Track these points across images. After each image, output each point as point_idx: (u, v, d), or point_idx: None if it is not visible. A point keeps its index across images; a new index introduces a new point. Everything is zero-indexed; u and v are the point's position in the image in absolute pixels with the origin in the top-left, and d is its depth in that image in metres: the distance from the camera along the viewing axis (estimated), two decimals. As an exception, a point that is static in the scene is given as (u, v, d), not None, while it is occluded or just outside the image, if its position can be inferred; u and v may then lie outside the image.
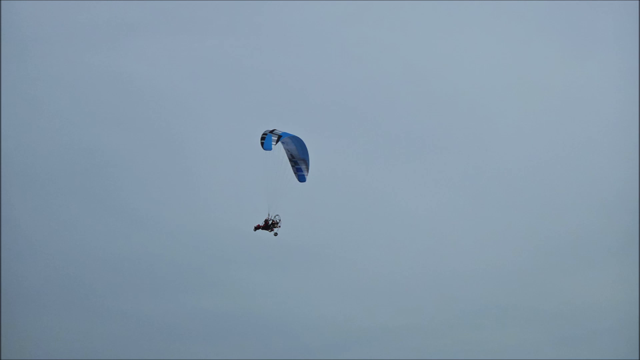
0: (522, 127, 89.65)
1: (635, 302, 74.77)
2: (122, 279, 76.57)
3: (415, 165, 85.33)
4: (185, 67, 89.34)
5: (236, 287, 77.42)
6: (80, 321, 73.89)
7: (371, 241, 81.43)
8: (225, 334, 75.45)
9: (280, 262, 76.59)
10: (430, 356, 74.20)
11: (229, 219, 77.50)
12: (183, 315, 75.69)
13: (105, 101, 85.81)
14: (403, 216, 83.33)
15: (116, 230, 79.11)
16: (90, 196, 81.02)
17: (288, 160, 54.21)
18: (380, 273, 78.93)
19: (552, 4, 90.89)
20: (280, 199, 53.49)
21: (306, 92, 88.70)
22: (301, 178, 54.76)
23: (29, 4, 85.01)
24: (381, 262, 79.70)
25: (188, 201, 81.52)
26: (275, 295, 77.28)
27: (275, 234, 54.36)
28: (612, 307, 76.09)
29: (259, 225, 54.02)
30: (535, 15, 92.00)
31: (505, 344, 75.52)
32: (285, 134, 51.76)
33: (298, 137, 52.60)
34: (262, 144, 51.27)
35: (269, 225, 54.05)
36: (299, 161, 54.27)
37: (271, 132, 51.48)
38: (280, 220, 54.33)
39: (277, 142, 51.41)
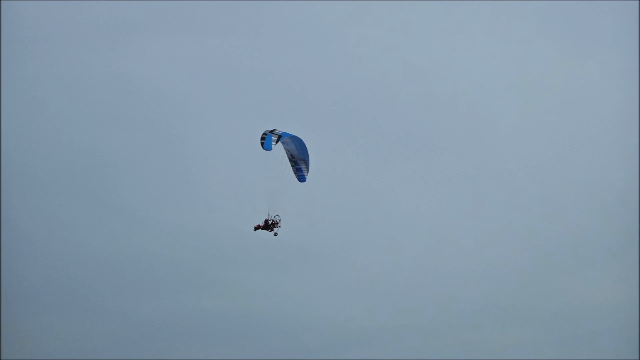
0: (522, 127, 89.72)
1: (635, 302, 74.76)
2: (122, 279, 76.61)
3: (415, 165, 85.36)
4: (185, 67, 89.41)
5: (236, 287, 77.44)
6: (80, 321, 73.91)
7: (371, 241, 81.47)
8: (225, 334, 75.47)
9: (280, 262, 76.62)
10: (430, 356, 74.20)
11: (229, 219, 77.56)
12: (183, 315, 75.71)
13: (105, 101, 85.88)
14: (403, 216, 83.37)
15: (116, 230, 79.15)
16: (90, 196, 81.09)
17: (288, 160, 54.18)
18: (380, 273, 78.93)
19: (552, 4, 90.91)
20: (280, 199, 53.48)
21: (306, 92, 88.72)
22: (301, 178, 54.74)
23: (29, 4, 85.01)
24: (381, 262, 79.74)
25: (188, 201, 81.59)
26: (275, 295, 77.32)
27: (275, 234, 54.33)
28: (612, 307, 76.07)
29: (259, 225, 53.99)
30: (535, 15, 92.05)
31: (505, 344, 75.53)
32: (285, 134, 51.74)
33: (298, 137, 52.58)
34: (262, 144, 51.26)
35: (269, 225, 54.02)
36: (299, 161, 54.25)
37: (271, 132, 51.46)
38: (280, 220, 54.30)
39: (277, 142, 51.40)
